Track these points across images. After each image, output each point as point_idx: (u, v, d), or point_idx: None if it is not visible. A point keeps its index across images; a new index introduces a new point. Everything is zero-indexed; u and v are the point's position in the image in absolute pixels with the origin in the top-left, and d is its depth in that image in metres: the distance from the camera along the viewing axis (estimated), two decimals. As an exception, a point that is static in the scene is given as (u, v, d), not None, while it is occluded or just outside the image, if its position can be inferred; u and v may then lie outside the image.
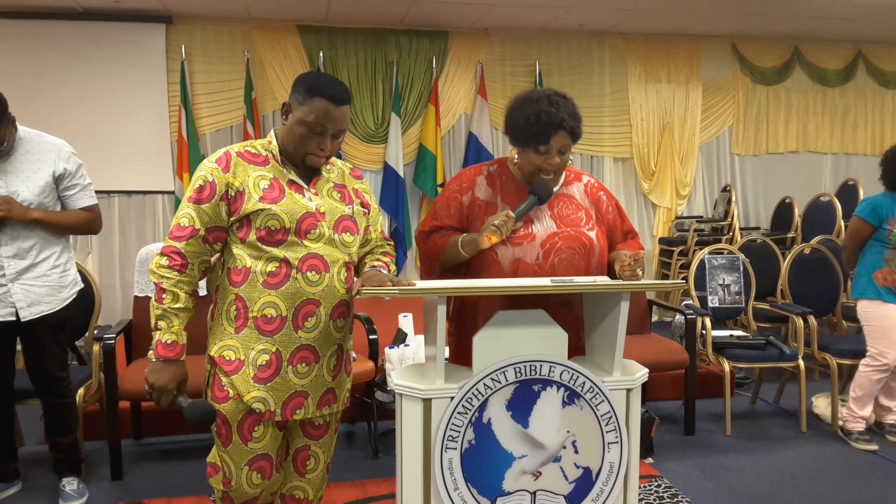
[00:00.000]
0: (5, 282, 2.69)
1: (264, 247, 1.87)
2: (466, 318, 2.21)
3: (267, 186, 1.89)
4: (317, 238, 1.90)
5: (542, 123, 2.09)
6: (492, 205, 2.22)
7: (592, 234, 2.20)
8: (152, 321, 1.88)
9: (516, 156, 2.24)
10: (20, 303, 2.72)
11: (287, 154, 1.94)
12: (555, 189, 2.24)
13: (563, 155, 2.15)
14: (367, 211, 2.07)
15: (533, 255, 2.14)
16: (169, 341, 1.86)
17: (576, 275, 2.15)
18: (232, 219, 1.88)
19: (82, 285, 2.98)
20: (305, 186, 1.94)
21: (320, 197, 1.95)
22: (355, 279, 1.99)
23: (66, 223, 2.81)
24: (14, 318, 2.72)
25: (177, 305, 1.87)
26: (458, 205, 2.23)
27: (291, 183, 1.92)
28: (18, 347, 2.92)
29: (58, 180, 2.78)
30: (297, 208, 1.89)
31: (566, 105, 2.13)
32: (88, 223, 2.88)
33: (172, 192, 5.95)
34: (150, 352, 1.88)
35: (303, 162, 1.94)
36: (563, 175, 2.28)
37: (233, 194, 1.87)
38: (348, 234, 1.97)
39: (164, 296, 1.86)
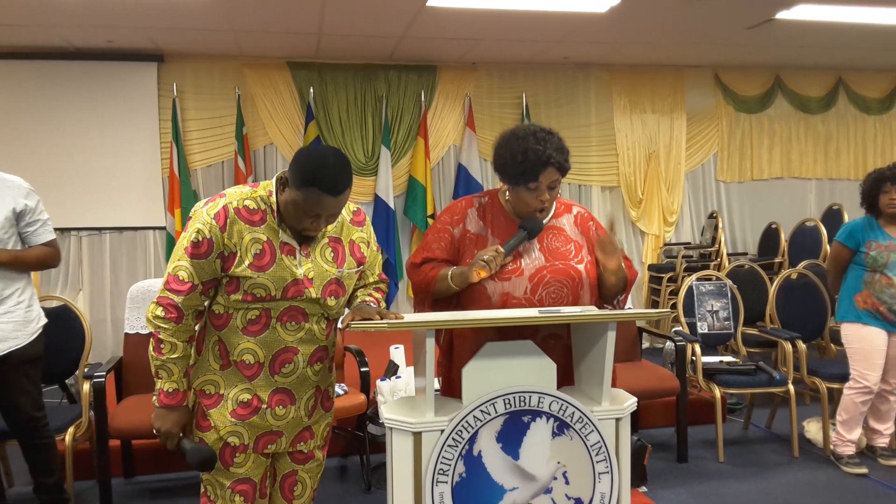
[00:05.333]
0: None
1: (247, 301, 1.89)
2: (456, 351, 2.23)
3: (259, 252, 1.87)
4: (301, 300, 1.92)
5: (530, 161, 2.11)
6: (482, 238, 2.24)
7: (581, 267, 2.22)
8: (152, 369, 1.92)
9: (507, 191, 2.27)
10: None
11: (283, 216, 1.92)
12: (544, 222, 2.27)
13: (552, 190, 2.18)
14: (360, 268, 2.06)
15: (521, 290, 2.16)
16: (170, 389, 1.90)
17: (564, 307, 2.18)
18: (223, 273, 1.89)
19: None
20: (297, 248, 1.92)
21: (311, 259, 1.93)
22: (340, 319, 2.02)
23: (31, 260, 2.85)
24: None
25: (175, 355, 1.89)
26: (449, 237, 2.25)
27: (284, 245, 1.90)
28: None
29: (19, 217, 2.79)
30: (285, 275, 1.88)
31: (553, 141, 2.15)
32: (50, 258, 2.91)
33: (164, 228, 5.96)
34: (154, 398, 1.92)
35: (299, 233, 1.93)
36: (553, 207, 2.31)
37: (227, 254, 1.86)
38: (333, 297, 1.97)
39: (161, 346, 1.88)
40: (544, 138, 2.14)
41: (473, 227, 2.26)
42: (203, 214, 1.87)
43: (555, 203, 2.31)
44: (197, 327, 1.97)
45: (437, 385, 3.60)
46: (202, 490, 2.02)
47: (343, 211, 2.02)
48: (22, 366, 2.82)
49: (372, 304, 2.05)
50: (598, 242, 2.21)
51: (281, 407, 1.96)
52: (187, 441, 1.93)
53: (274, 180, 1.92)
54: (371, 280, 2.14)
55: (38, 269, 2.97)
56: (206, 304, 1.95)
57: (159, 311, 1.87)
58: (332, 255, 1.98)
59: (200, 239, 1.84)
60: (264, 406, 1.94)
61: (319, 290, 1.93)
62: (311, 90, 6.10)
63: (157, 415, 1.92)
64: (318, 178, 1.77)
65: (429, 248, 2.27)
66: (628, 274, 2.27)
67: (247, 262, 1.86)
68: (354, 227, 2.05)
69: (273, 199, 1.90)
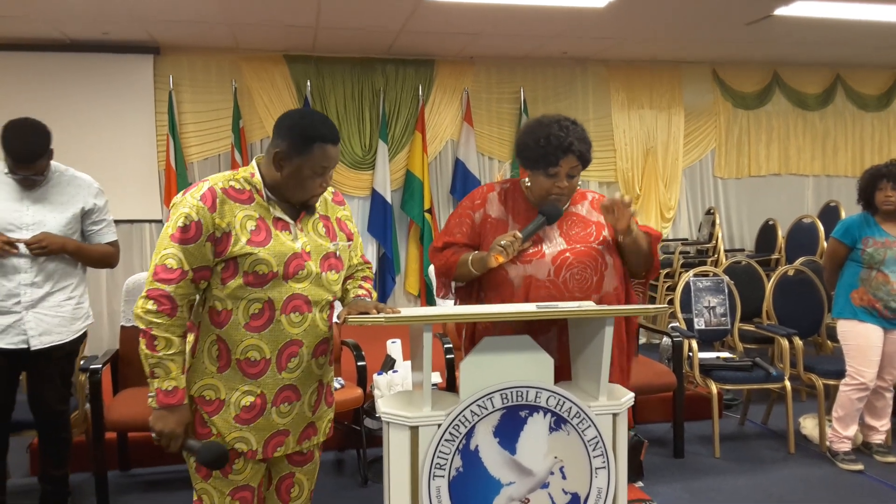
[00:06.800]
0: (20, 309, 2.74)
1: (249, 287, 1.82)
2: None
3: (254, 228, 1.82)
4: (303, 278, 1.87)
5: (552, 146, 2.15)
6: (502, 223, 2.27)
7: (603, 248, 2.24)
8: (147, 369, 1.80)
9: (527, 179, 2.28)
10: (32, 331, 2.75)
11: (276, 192, 1.88)
12: (563, 209, 2.28)
13: (571, 178, 2.20)
14: (351, 243, 2.05)
15: (544, 272, 2.18)
16: (170, 388, 1.79)
17: (589, 289, 2.19)
18: (217, 259, 1.81)
19: (93, 320, 3.02)
20: (292, 223, 1.89)
21: (305, 234, 1.91)
22: (336, 314, 2.00)
23: (94, 255, 2.92)
24: (25, 347, 2.75)
25: (171, 351, 1.79)
26: (471, 222, 2.29)
27: (277, 220, 1.87)
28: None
29: (86, 215, 2.87)
30: (283, 250, 1.84)
31: (575, 130, 2.18)
32: (111, 257, 2.99)
33: (160, 221, 5.95)
34: (151, 399, 1.81)
35: (303, 204, 1.90)
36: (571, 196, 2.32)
37: (219, 235, 1.79)
38: (334, 271, 1.94)
39: (156, 343, 1.78)
40: (567, 126, 2.18)
41: (494, 212, 2.29)
42: (188, 199, 1.80)
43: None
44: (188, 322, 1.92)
45: (438, 379, 3.61)
46: (195, 498, 1.94)
47: None
48: (58, 361, 2.86)
49: (366, 297, 2.04)
50: (602, 207, 2.20)
51: (286, 404, 1.90)
52: (193, 441, 1.84)
53: (254, 163, 1.91)
54: (355, 262, 2.11)
55: (97, 265, 3.02)
56: (198, 297, 1.88)
57: (150, 305, 1.77)
58: (323, 230, 1.96)
59: (188, 223, 1.77)
60: (269, 405, 1.87)
61: (318, 264, 1.90)
62: (308, 83, 6.09)
63: (157, 416, 1.80)
64: (319, 133, 1.81)
65: (450, 233, 2.31)
66: (651, 233, 2.29)
67: (244, 240, 1.80)
68: (337, 207, 2.05)
69: (256, 179, 1.87)
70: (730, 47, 6.33)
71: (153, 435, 1.83)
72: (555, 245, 2.22)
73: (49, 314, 2.79)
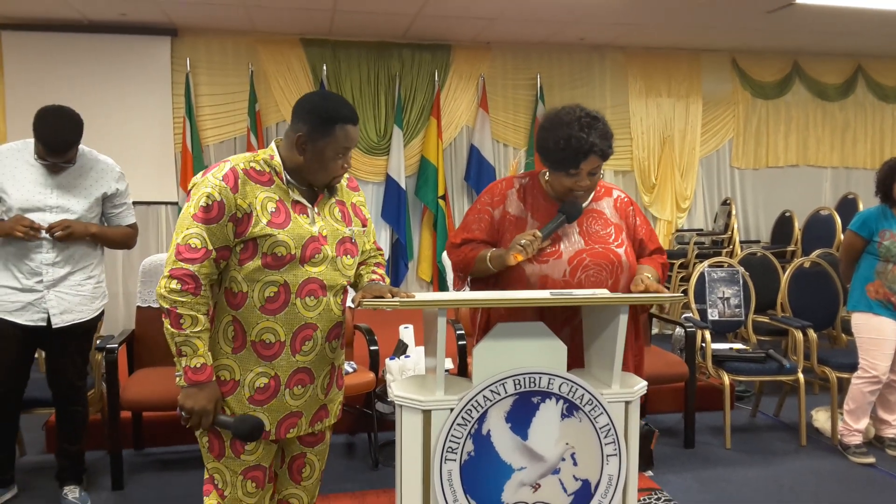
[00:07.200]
0: (41, 288, 2.79)
1: (266, 270, 1.83)
2: None
3: (274, 210, 1.84)
4: (319, 262, 1.88)
5: (573, 149, 2.10)
6: (522, 220, 2.25)
7: (621, 251, 2.22)
8: (173, 347, 1.81)
9: (546, 172, 2.27)
10: (53, 309, 2.81)
11: (295, 175, 1.89)
12: (584, 205, 2.26)
13: (593, 176, 2.17)
14: (365, 229, 2.06)
15: (560, 272, 2.17)
16: (198, 365, 1.80)
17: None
18: (236, 239, 1.82)
19: (108, 300, 3.08)
20: (309, 206, 1.90)
21: (322, 218, 1.92)
22: (353, 293, 2.01)
23: (115, 238, 2.98)
24: (44, 325, 2.80)
25: (198, 328, 1.79)
26: (489, 218, 2.27)
27: (295, 203, 1.89)
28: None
29: (108, 199, 2.92)
30: (302, 233, 1.85)
31: (597, 127, 2.13)
32: (130, 239, 3.05)
33: (176, 203, 5.99)
34: (178, 378, 1.82)
35: (326, 185, 1.92)
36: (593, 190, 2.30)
37: (240, 216, 1.80)
38: (349, 256, 1.96)
39: (181, 321, 1.78)
40: (589, 124, 2.12)
41: (513, 210, 2.27)
42: (210, 178, 1.81)
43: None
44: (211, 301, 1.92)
45: (449, 365, 3.63)
46: (206, 477, 1.96)
47: None
48: (77, 338, 2.93)
49: (380, 281, 2.05)
50: (636, 284, 2.15)
51: (300, 386, 1.92)
52: (225, 416, 1.85)
53: (273, 145, 1.91)
54: (368, 248, 2.12)
55: (117, 247, 3.08)
56: (218, 278, 1.90)
57: (174, 284, 1.77)
58: (339, 214, 1.98)
59: (210, 203, 1.78)
60: (282, 387, 1.90)
61: (334, 248, 1.91)
62: (325, 67, 6.08)
63: (187, 394, 1.81)
64: (340, 114, 1.84)
65: (468, 229, 2.30)
66: (658, 271, 2.29)
67: (265, 221, 1.82)
68: (352, 192, 2.07)
69: (276, 161, 1.88)
70: (750, 36, 6.25)
71: (182, 414, 1.83)
72: (573, 244, 2.20)
73: (70, 293, 2.84)
